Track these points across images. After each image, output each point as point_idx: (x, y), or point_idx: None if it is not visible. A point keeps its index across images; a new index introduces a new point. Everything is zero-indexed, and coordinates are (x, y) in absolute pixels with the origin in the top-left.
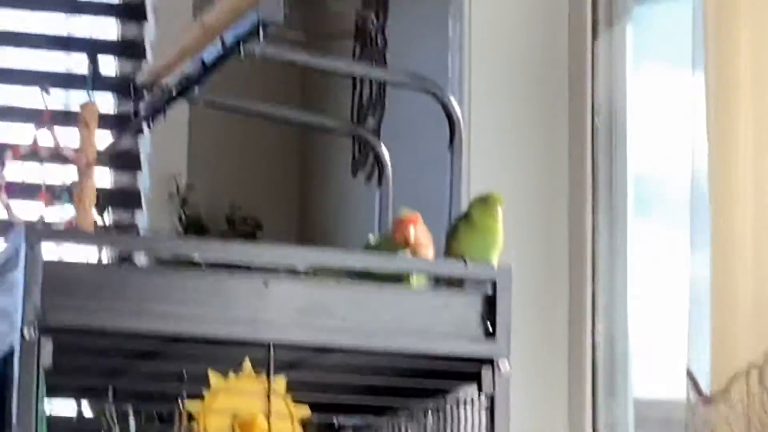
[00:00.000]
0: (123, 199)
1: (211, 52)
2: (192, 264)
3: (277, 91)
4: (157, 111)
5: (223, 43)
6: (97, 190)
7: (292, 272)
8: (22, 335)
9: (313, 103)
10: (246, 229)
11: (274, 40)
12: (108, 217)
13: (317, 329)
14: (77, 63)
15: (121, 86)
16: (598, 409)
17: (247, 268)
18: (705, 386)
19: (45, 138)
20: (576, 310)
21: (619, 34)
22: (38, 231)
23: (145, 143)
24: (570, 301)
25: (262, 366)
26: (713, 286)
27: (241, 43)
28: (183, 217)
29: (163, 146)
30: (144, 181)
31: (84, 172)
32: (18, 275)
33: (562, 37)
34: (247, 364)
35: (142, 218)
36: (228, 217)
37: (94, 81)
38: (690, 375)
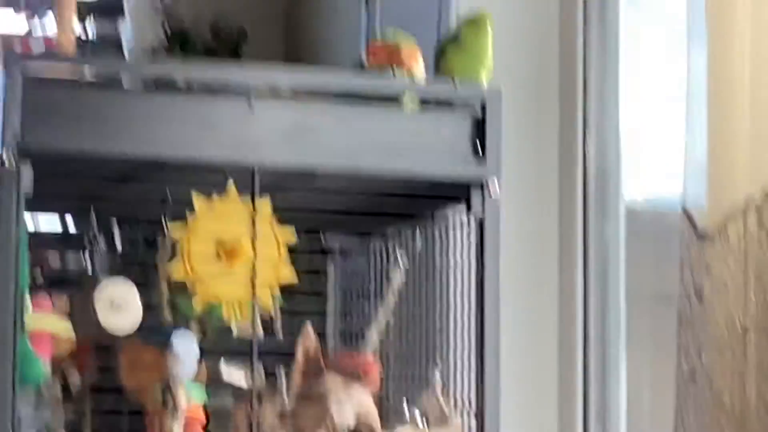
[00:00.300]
0: (106, 9)
1: None
2: (175, 85)
3: None
4: None
5: None
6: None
7: (277, 93)
8: (1, 161)
9: None
10: (231, 39)
11: None
12: (91, 29)
13: (303, 151)
14: None
15: None
16: (589, 223)
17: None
18: (701, 223)
19: None
20: (567, 123)
21: None
22: (16, 53)
23: None
24: (561, 114)
25: (246, 189)
26: (710, 84)
27: None
28: (167, 28)
29: None
30: None
31: None
32: None
33: None
34: (231, 186)
35: (125, 30)
36: (212, 27)
37: None
38: (686, 212)
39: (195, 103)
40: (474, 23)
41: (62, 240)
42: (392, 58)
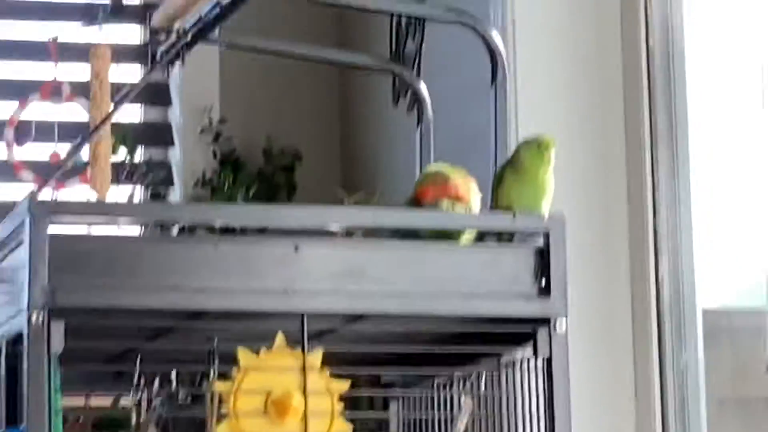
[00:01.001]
0: (154, 135)
1: None
2: (214, 229)
3: (313, 22)
4: (176, 56)
5: None
6: (126, 126)
7: (325, 233)
8: (29, 320)
9: (350, 32)
10: (285, 162)
11: None
12: (139, 156)
13: (354, 295)
14: None
15: (148, 15)
16: (665, 360)
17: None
18: None
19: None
20: (637, 245)
21: None
22: (44, 205)
23: (174, 75)
24: (630, 244)
25: (295, 338)
26: None
27: None
28: (217, 152)
29: (194, 78)
30: (175, 115)
31: (99, 126)
32: (23, 253)
33: None
34: (279, 337)
35: (174, 155)
36: (265, 150)
37: (117, 11)
38: None
39: (238, 248)
40: (535, 149)
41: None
42: (446, 192)
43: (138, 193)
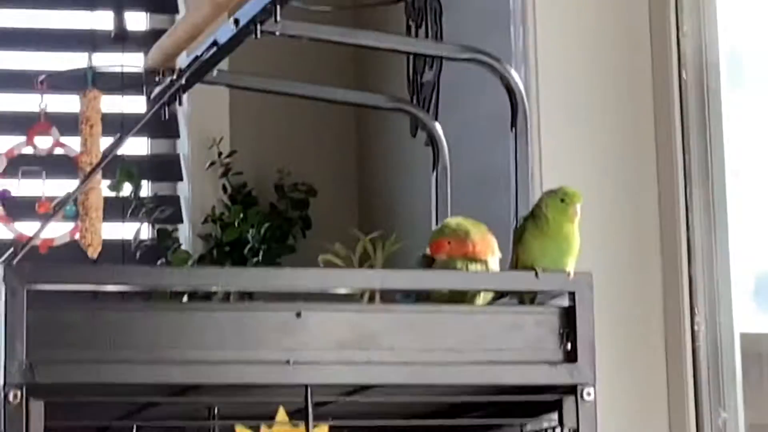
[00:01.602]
0: (161, 168)
1: (224, 32)
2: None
3: (329, 57)
4: (172, 98)
5: (236, 22)
6: (133, 159)
7: (330, 297)
8: (5, 399)
9: (367, 65)
10: (298, 197)
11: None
12: (145, 191)
13: (362, 365)
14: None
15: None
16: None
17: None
18: None
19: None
20: (672, 318)
21: None
22: (22, 272)
23: (182, 106)
24: (664, 308)
25: (299, 413)
26: None
27: (257, 22)
28: (227, 186)
29: (202, 109)
30: (183, 147)
31: (89, 176)
32: None
33: None
34: (280, 412)
35: (183, 189)
36: (277, 185)
37: (121, 39)
38: None
39: (235, 314)
40: (560, 202)
41: None
42: (463, 248)
43: (145, 230)
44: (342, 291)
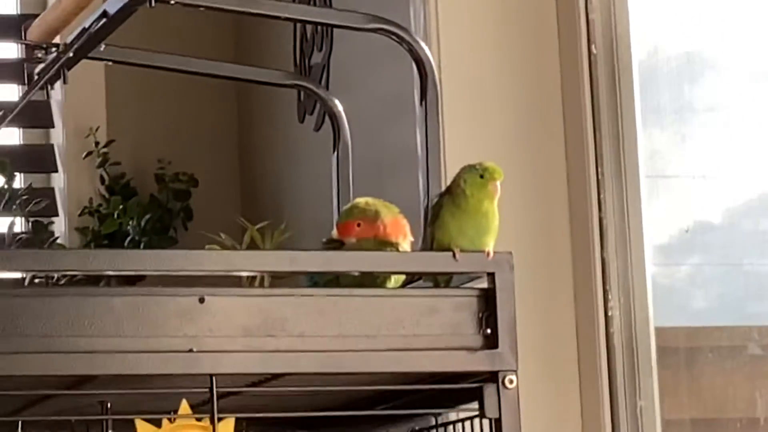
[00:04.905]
0: (35, 159)
1: (114, 2)
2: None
3: (210, 35)
4: (56, 75)
5: None
6: (5, 150)
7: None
8: None
9: (250, 45)
10: (179, 187)
11: None
12: (19, 181)
13: (271, 353)
14: None
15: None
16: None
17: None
18: None
19: None
20: (584, 303)
21: None
22: None
23: (56, 93)
24: (575, 292)
25: (203, 405)
26: None
27: None
28: (105, 177)
29: (78, 97)
30: (58, 137)
31: None
32: None
33: None
34: (183, 405)
35: (58, 181)
36: (157, 175)
37: None
38: None
39: (133, 300)
40: (479, 178)
41: None
42: (373, 230)
43: (19, 223)
44: (247, 273)
